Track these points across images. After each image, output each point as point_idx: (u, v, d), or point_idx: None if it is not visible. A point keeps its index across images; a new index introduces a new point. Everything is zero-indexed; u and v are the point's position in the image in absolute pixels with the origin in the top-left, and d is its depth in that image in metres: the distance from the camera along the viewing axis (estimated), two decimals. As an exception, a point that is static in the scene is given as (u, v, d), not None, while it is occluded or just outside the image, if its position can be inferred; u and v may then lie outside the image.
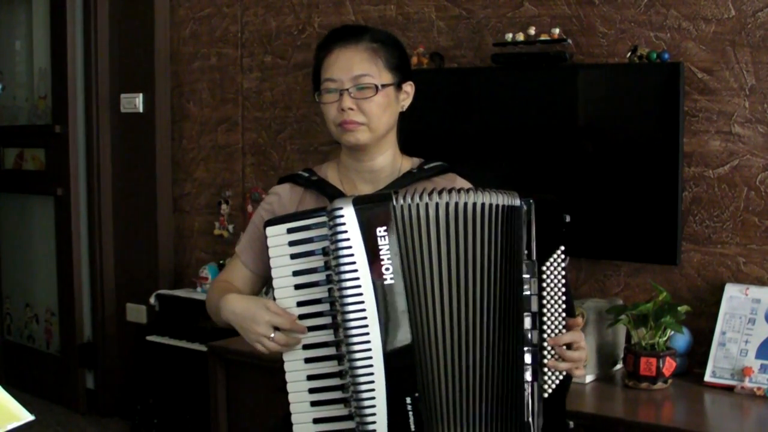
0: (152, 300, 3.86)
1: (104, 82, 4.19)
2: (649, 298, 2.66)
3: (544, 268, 1.67)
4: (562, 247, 1.68)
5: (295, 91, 3.68)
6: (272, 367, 2.91)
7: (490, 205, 1.67)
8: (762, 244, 2.69)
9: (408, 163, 1.95)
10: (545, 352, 1.67)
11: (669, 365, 2.54)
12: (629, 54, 2.77)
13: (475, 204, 1.67)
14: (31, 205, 4.58)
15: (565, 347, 1.68)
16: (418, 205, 1.66)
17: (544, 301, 1.67)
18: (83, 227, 4.30)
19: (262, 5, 3.77)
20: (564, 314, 1.68)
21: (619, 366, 2.74)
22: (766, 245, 2.68)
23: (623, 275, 2.91)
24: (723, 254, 2.75)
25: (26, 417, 1.13)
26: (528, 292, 1.66)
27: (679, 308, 2.55)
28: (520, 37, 2.92)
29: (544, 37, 2.89)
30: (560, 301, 1.68)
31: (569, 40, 2.90)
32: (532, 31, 2.91)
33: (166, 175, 4.10)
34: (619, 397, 2.54)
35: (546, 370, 1.67)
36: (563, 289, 1.68)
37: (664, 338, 2.56)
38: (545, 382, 1.67)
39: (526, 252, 1.66)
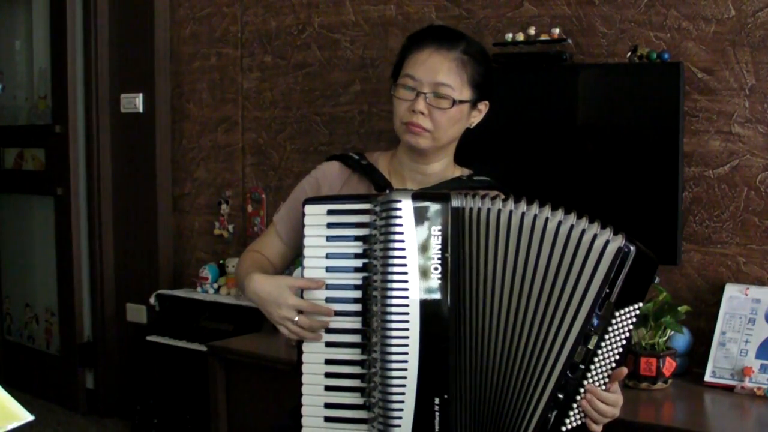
0: (152, 300, 3.85)
1: (104, 82, 4.18)
2: (649, 298, 2.66)
3: (617, 314, 1.63)
4: (640, 304, 1.65)
5: (295, 91, 3.68)
6: (273, 367, 2.93)
7: (594, 235, 1.64)
8: (762, 244, 2.69)
9: (458, 172, 1.96)
10: (579, 396, 1.64)
11: (669, 365, 2.53)
12: (629, 54, 2.77)
13: (572, 227, 1.64)
14: (31, 205, 4.57)
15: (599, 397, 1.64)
16: (479, 209, 1.64)
17: (603, 345, 1.63)
18: (83, 227, 4.30)
19: (262, 5, 3.76)
20: (614, 364, 1.65)
21: (619, 366, 2.74)
22: (766, 245, 2.68)
23: (623, 275, 2.90)
24: (723, 254, 2.75)
25: (26, 417, 1.13)
26: (591, 330, 1.62)
27: (679, 308, 2.55)
28: (520, 37, 2.92)
29: (544, 37, 2.89)
30: (616, 353, 1.65)
31: (569, 40, 2.89)
32: (532, 31, 2.91)
33: (166, 175, 4.10)
34: (619, 397, 2.54)
35: (571, 412, 1.64)
36: (624, 342, 1.65)
37: (664, 338, 2.56)
38: (564, 420, 1.64)
39: (607, 290, 1.62)
